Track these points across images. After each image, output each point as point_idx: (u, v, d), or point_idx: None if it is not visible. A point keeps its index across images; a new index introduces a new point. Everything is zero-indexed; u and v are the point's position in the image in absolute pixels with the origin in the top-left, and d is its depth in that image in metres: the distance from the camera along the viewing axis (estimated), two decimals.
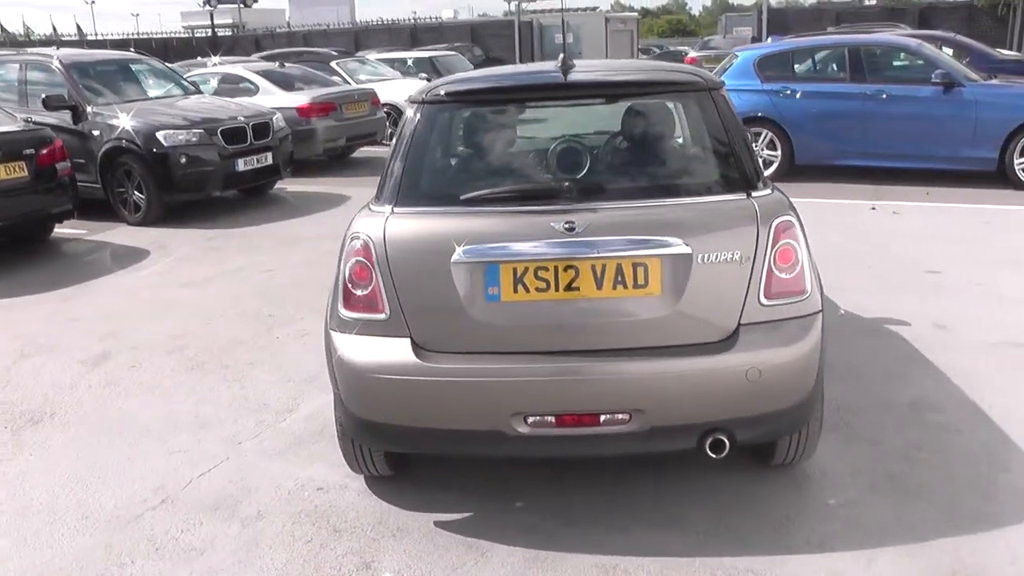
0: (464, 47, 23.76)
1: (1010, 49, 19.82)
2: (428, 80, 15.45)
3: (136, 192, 7.98)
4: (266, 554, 2.87)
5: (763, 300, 2.76)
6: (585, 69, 3.07)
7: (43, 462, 3.61)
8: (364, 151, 12.36)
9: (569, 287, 2.70)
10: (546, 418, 2.69)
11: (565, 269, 2.69)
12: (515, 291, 2.71)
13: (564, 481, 3.20)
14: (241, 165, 8.33)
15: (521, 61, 27.91)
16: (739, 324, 2.75)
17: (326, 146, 10.79)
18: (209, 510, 3.17)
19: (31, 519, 3.17)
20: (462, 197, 2.86)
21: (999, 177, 8.00)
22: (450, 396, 2.72)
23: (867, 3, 30.76)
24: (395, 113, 13.05)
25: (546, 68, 3.11)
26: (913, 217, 7.08)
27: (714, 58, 23.14)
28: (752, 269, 2.74)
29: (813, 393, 2.84)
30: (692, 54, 24.53)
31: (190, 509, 3.18)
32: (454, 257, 2.71)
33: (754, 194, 2.86)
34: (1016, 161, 7.78)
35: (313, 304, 5.52)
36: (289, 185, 9.89)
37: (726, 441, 2.72)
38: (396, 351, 2.76)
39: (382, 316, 2.79)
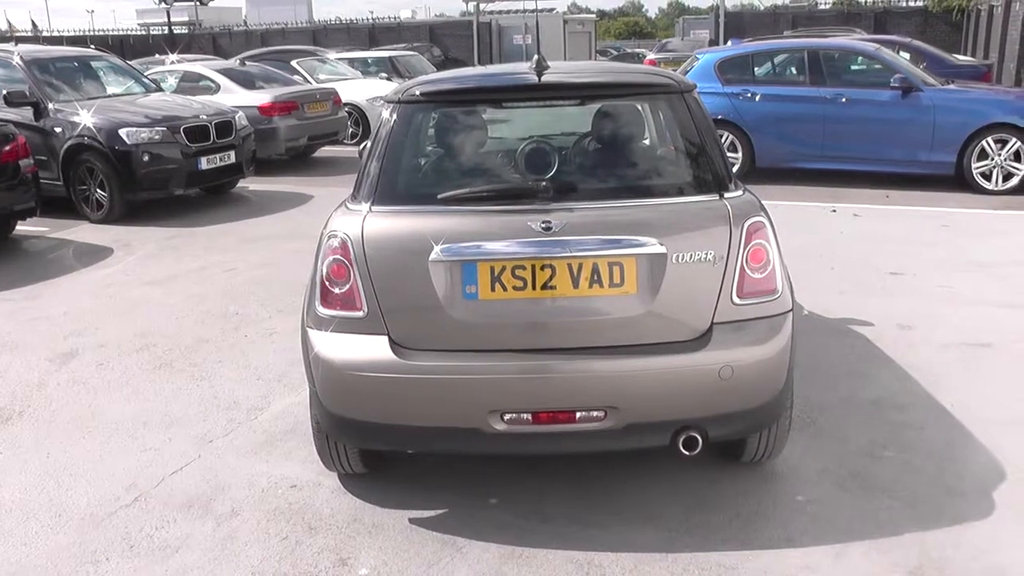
0: (423, 47, 23.73)
1: (964, 54, 20.30)
2: (388, 79, 15.45)
3: (99, 190, 7.86)
4: (241, 551, 2.87)
5: (736, 299, 2.82)
6: (559, 71, 3.11)
7: (14, 460, 3.56)
8: (325, 150, 12.29)
9: (546, 286, 2.73)
10: (522, 415, 2.72)
11: (542, 268, 2.72)
12: (492, 290, 2.73)
13: (538, 478, 3.23)
14: (204, 163, 8.24)
15: (480, 62, 27.95)
16: (712, 323, 2.81)
17: (288, 145, 10.72)
18: (183, 508, 3.15)
19: (3, 517, 3.13)
20: (439, 196, 2.88)
21: (957, 181, 8.22)
22: (428, 393, 2.74)
23: (820, 6, 31.26)
24: (356, 113, 13.01)
25: (521, 69, 3.15)
26: (873, 220, 7.24)
27: (673, 60, 23.39)
28: (725, 269, 2.80)
29: (783, 391, 2.91)
30: (651, 56, 24.72)
31: (163, 507, 3.16)
32: (432, 256, 2.73)
33: (726, 195, 2.93)
34: (974, 165, 8.00)
35: (279, 303, 5.51)
36: (251, 184, 9.80)
37: (699, 438, 2.77)
38: (374, 349, 2.77)
39: (360, 314, 2.80)
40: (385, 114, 3.05)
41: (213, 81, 10.76)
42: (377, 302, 2.78)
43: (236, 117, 8.77)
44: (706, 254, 2.79)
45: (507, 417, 2.72)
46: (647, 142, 3.09)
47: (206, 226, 7.90)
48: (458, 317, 2.74)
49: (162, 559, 2.85)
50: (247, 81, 10.90)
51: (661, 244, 2.74)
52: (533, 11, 31.59)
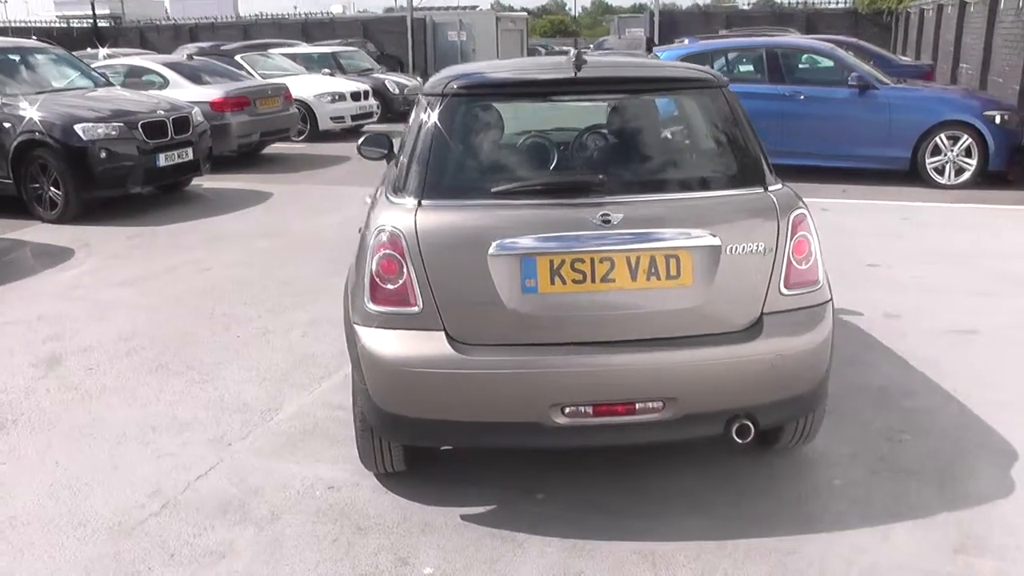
0: (358, 43, 23.38)
1: (894, 55, 21.07)
2: (331, 75, 15.21)
3: (52, 188, 7.51)
4: (293, 555, 2.79)
5: (783, 290, 2.87)
6: (598, 65, 3.12)
7: (19, 471, 3.38)
8: (274, 147, 12.01)
9: (605, 279, 2.74)
10: (583, 408, 2.72)
11: (601, 261, 2.73)
12: (552, 283, 2.72)
13: (580, 471, 3.23)
14: (162, 160, 7.97)
15: (414, 58, 27.71)
16: (762, 313, 2.86)
17: (240, 142, 10.45)
18: (217, 513, 3.04)
19: (22, 530, 2.98)
20: (494, 190, 2.85)
21: (911, 175, 8.55)
22: (489, 389, 2.71)
23: (741, 7, 32.11)
24: (302, 109, 12.74)
25: (560, 62, 3.14)
26: (840, 214, 7.47)
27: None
28: (774, 260, 2.86)
29: (825, 378, 2.98)
30: None
31: (196, 513, 3.05)
32: (491, 250, 2.70)
33: (770, 188, 2.98)
34: (928, 161, 8.33)
35: (265, 302, 5.38)
36: (204, 182, 9.51)
37: (751, 426, 2.82)
38: (431, 345, 2.73)
39: (414, 310, 2.75)
40: (425, 106, 3.00)
41: (160, 76, 10.41)
42: (433, 297, 2.73)
43: (193, 113, 8.50)
44: (757, 246, 2.84)
45: (567, 410, 2.71)
46: (691, 136, 3.12)
47: (168, 225, 7.64)
48: (517, 311, 2.72)
49: (209, 565, 2.75)
50: (195, 76, 10.58)
51: (715, 236, 2.78)
52: (466, 8, 31.55)
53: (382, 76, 16.17)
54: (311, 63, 15.55)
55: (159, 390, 4.12)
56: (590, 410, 2.73)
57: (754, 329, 2.84)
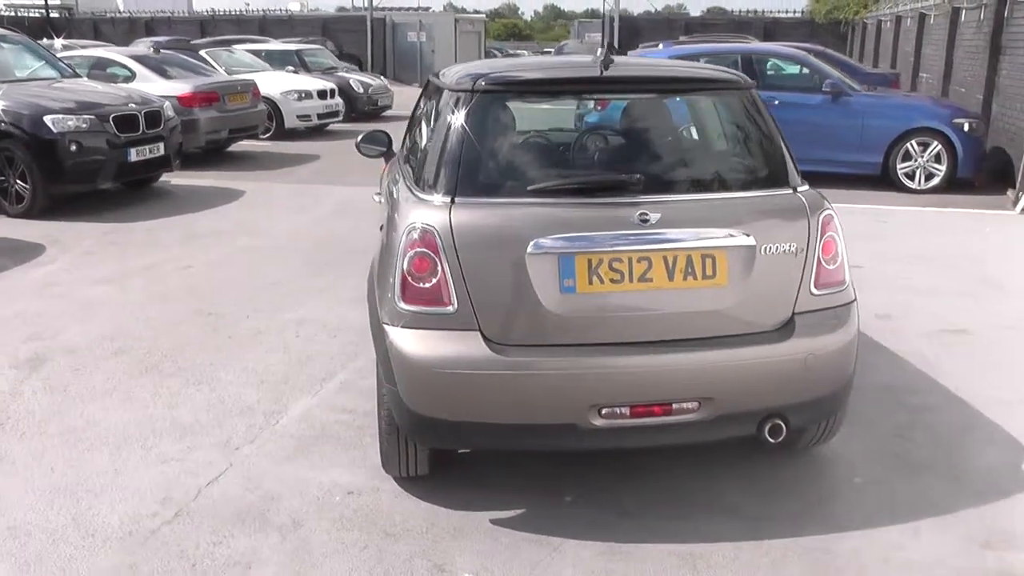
0: (318, 41, 23.12)
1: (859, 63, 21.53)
2: (295, 72, 14.98)
3: (19, 181, 7.23)
4: (322, 563, 2.70)
5: (814, 290, 2.88)
6: (626, 65, 3.09)
7: (12, 477, 3.22)
8: (240, 145, 11.76)
9: (642, 278, 2.71)
10: (620, 409, 2.69)
11: (639, 260, 2.70)
12: (590, 283, 2.69)
13: (605, 473, 3.19)
14: (133, 155, 7.73)
15: (374, 58, 27.50)
16: (793, 313, 2.86)
17: (208, 138, 10.22)
18: (235, 521, 2.94)
19: (25, 540, 2.83)
20: (530, 188, 2.80)
21: (882, 180, 8.71)
22: (527, 390, 2.67)
23: (694, 13, 32.52)
24: (268, 107, 12.50)
25: (586, 61, 3.11)
26: None
27: None
28: (805, 260, 2.86)
29: (851, 378, 3.00)
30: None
31: (213, 520, 2.94)
32: (529, 249, 2.66)
33: (798, 189, 2.99)
34: (899, 166, 8.50)
35: (253, 302, 5.25)
36: (172, 179, 9.27)
37: (783, 426, 2.82)
38: (467, 345, 2.67)
39: (449, 309, 2.69)
40: (453, 102, 2.93)
41: (128, 68, 10.11)
42: (469, 297, 2.67)
43: (164, 107, 8.27)
44: (789, 246, 2.84)
45: (604, 412, 2.68)
46: (720, 136, 3.12)
47: (141, 221, 7.42)
48: (555, 311, 2.68)
49: None
50: (162, 70, 10.30)
51: (750, 236, 2.77)
52: (419, 9, 31.41)
53: (346, 75, 15.98)
54: (274, 60, 15.30)
55: (154, 392, 3.98)
56: (627, 411, 2.69)
57: (786, 329, 2.84)
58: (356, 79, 15.83)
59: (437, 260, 2.68)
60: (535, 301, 2.67)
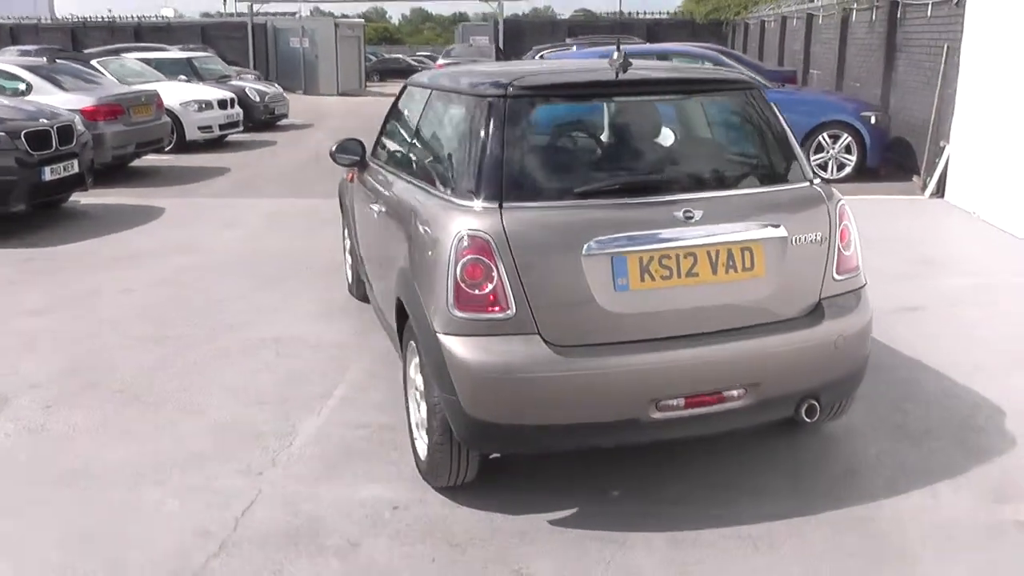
0: (197, 48, 22.31)
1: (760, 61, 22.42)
2: (188, 82, 14.40)
3: None
4: None
5: (836, 276, 3.05)
6: (647, 68, 3.18)
7: (23, 528, 2.99)
8: (144, 160, 11.20)
9: (689, 273, 2.80)
10: (675, 401, 2.77)
11: (685, 256, 2.79)
12: (642, 280, 2.76)
13: (635, 466, 3.26)
14: (48, 174, 7.27)
15: (255, 65, 26.72)
16: (820, 298, 3.02)
17: (115, 153, 9.69)
18: (286, 547, 2.84)
19: None
20: (577, 190, 2.84)
21: None
22: (591, 389, 2.71)
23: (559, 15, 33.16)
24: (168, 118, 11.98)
25: (601, 65, 3.17)
26: None
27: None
28: (828, 248, 3.03)
29: (868, 355, 3.19)
30: (440, 61, 24.98)
31: (262, 549, 2.83)
32: (584, 250, 2.70)
33: (813, 181, 3.15)
34: (812, 157, 8.98)
35: (210, 322, 5.06)
36: (82, 198, 8.76)
37: (817, 406, 2.97)
38: (528, 348, 2.69)
39: (507, 314, 2.70)
40: (484, 108, 2.93)
41: (22, 80, 9.44)
42: (527, 300, 2.69)
43: (76, 121, 7.82)
44: (815, 235, 2.99)
45: (662, 404, 2.75)
46: (740, 134, 3.24)
47: (62, 245, 6.99)
48: (611, 310, 2.73)
49: None
50: (58, 81, 9.70)
51: (782, 228, 2.91)
52: (285, 14, 30.76)
53: (241, 83, 15.49)
54: (164, 69, 14.65)
55: (145, 424, 3.78)
56: (682, 402, 2.78)
57: (816, 314, 2.99)
58: (252, 87, 15.37)
59: (492, 266, 2.69)
60: (591, 301, 2.72)
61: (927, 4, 8.98)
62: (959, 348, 4.43)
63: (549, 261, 2.71)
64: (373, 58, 41.92)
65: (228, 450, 3.51)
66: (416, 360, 3.09)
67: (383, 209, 3.74)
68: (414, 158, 3.62)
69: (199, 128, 12.43)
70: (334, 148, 4.54)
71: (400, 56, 46.62)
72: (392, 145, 4.19)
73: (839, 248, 3.06)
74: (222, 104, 12.99)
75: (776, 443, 3.46)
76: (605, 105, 3.18)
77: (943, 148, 8.13)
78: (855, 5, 11.84)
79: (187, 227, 7.76)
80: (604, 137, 3.22)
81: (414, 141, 3.67)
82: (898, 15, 9.99)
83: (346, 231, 5.47)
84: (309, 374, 4.30)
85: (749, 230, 2.87)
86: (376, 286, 4.12)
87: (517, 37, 30.13)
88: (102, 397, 4.06)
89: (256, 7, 27.90)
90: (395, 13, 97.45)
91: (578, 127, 3.03)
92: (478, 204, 2.80)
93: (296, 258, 6.56)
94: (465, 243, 2.72)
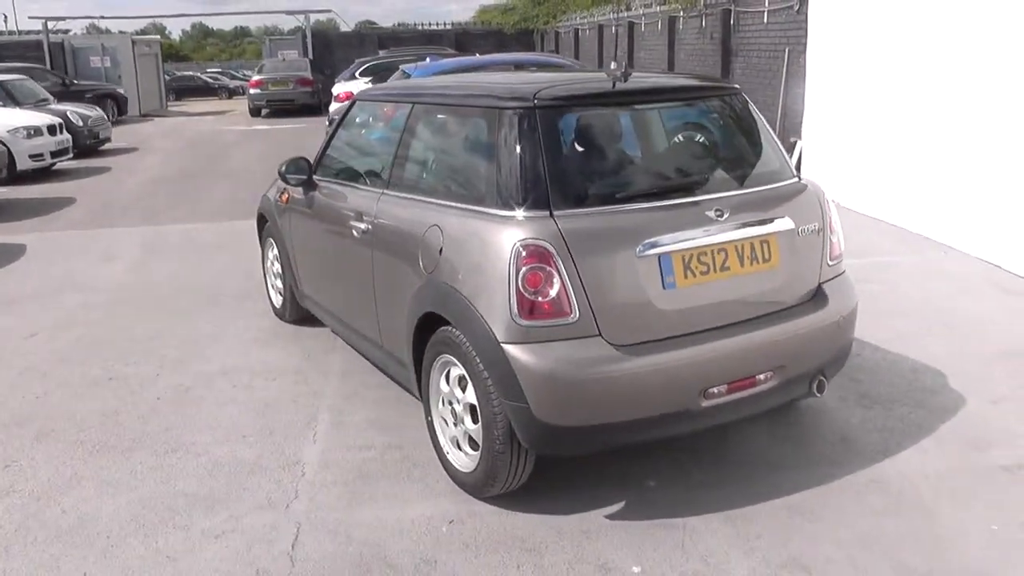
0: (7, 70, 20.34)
1: None
2: (3, 106, 13.14)
3: None
4: None
5: (829, 262, 3.37)
6: (650, 77, 3.37)
7: None
8: None
9: (723, 268, 3.00)
10: (718, 389, 2.96)
11: (718, 252, 2.99)
12: (686, 277, 2.93)
13: (659, 456, 3.42)
14: None
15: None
16: (819, 283, 3.32)
17: None
18: (360, 574, 2.77)
19: None
20: (619, 195, 2.96)
21: None
22: (651, 384, 2.84)
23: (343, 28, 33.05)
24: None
25: (601, 76, 3.33)
26: None
27: (280, 81, 23.21)
28: (823, 237, 3.33)
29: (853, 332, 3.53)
30: (255, 77, 24.17)
31: None
32: (637, 251, 2.83)
33: (800, 176, 3.45)
34: None
35: (148, 360, 4.77)
36: None
37: (825, 380, 3.27)
38: (595, 350, 2.78)
39: (571, 318, 2.78)
40: (510, 120, 2.97)
41: None
42: (589, 304, 2.79)
43: None
44: (814, 226, 3.29)
45: (708, 392, 2.93)
46: (741, 135, 3.45)
47: None
48: (662, 307, 2.88)
49: None
50: None
51: (790, 220, 3.18)
52: (68, 31, 28.83)
53: (62, 107, 14.31)
54: None
55: (131, 471, 3.51)
56: (724, 389, 2.97)
57: (820, 298, 3.29)
58: (73, 111, 14.23)
59: (554, 272, 2.76)
60: (646, 300, 2.85)
61: (763, 11, 9.81)
62: (873, 321, 4.93)
63: (606, 264, 2.82)
64: (167, 76, 39.83)
65: (234, 488, 3.34)
66: (455, 373, 3.10)
67: (367, 228, 3.68)
68: (412, 174, 3.58)
69: (30, 157, 11.41)
70: (284, 167, 4.41)
71: (194, 74, 44.60)
72: (362, 163, 4.13)
73: (830, 237, 3.37)
74: (51, 130, 11.98)
75: (768, 422, 3.72)
76: (627, 113, 3.33)
77: (794, 143, 8.93)
78: (681, 13, 12.68)
79: (60, 263, 7.14)
80: (630, 143, 3.36)
81: (405, 156, 3.63)
82: (731, 21, 10.84)
83: (272, 253, 5.28)
84: (280, 402, 4.15)
85: (766, 224, 3.11)
86: (355, 308, 4.03)
87: (327, 50, 29.69)
88: (63, 448, 3.74)
89: (50, 24, 25.81)
90: (175, 29, 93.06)
91: (604, 134, 3.14)
92: (526, 213, 2.86)
93: (199, 287, 6.23)
94: (522, 252, 2.77)
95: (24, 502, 3.30)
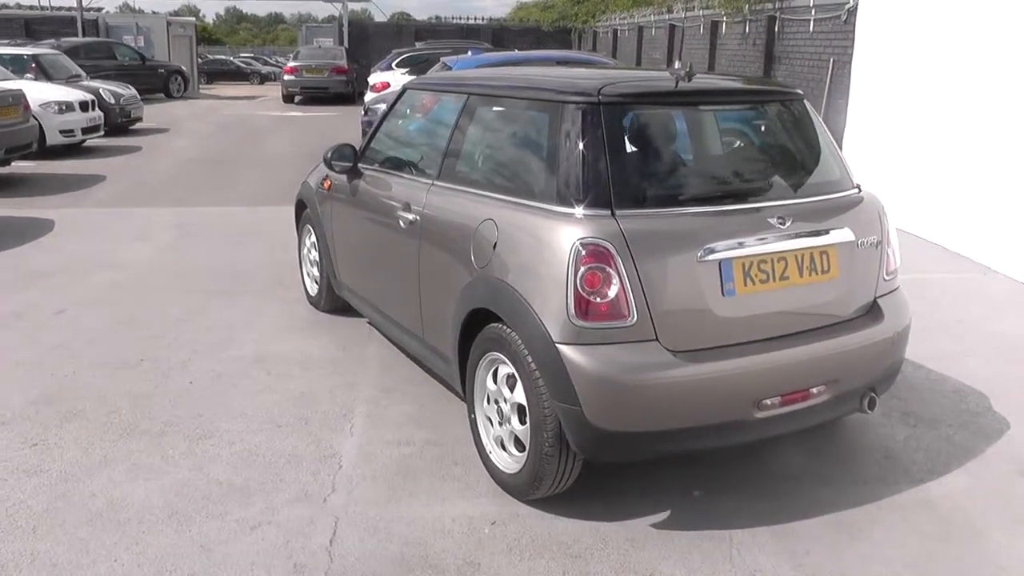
0: (25, 44, 20.46)
1: None
2: (35, 80, 13.20)
3: None
4: None
5: (885, 276, 3.28)
6: (714, 78, 3.29)
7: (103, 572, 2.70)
8: (14, 166, 10.16)
9: (782, 277, 2.93)
10: (772, 400, 2.88)
11: (778, 261, 2.92)
12: (745, 285, 2.86)
13: (705, 468, 3.35)
14: None
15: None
16: (875, 297, 3.24)
17: None
18: (400, 572, 2.71)
19: None
20: (682, 197, 2.90)
21: None
22: (707, 393, 2.77)
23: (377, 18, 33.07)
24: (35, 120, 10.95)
25: (665, 74, 3.25)
26: None
27: (315, 68, 23.27)
28: (880, 251, 3.25)
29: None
30: (290, 64, 24.23)
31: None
32: (698, 256, 2.76)
33: (861, 187, 3.37)
34: None
35: (180, 342, 4.75)
36: None
37: (876, 397, 3.19)
38: (652, 355, 2.72)
39: (629, 322, 2.71)
40: (579, 115, 2.90)
41: None
42: (648, 308, 2.72)
43: None
44: (873, 239, 3.21)
45: (762, 404, 2.86)
46: (804, 141, 3.36)
47: None
48: (720, 314, 2.81)
49: None
50: None
51: (850, 232, 3.10)
52: (98, 9, 29.03)
53: (95, 84, 14.36)
54: (5, 66, 13.34)
55: (163, 456, 3.48)
56: (778, 400, 2.90)
57: (875, 312, 3.21)
58: (106, 89, 14.28)
59: (614, 273, 2.69)
60: (704, 306, 2.79)
61: (809, 20, 9.69)
62: (914, 339, 4.77)
63: (666, 268, 2.75)
64: (199, 60, 39.99)
65: (270, 479, 3.30)
66: (504, 372, 3.04)
67: (414, 219, 3.63)
68: (465, 166, 3.51)
69: (61, 132, 11.45)
70: (330, 154, 4.36)
71: (227, 58, 44.71)
72: (411, 153, 4.07)
73: (887, 250, 3.29)
74: (83, 106, 12.02)
75: (811, 437, 3.63)
76: (690, 113, 3.26)
77: None
78: (724, 18, 12.56)
79: (89, 241, 7.14)
80: (693, 144, 3.29)
81: (458, 148, 3.56)
82: (775, 28, 10.72)
83: (309, 240, 5.24)
84: (315, 392, 4.11)
85: (827, 235, 3.03)
86: (396, 299, 3.98)
87: (363, 40, 29.77)
88: (92, 429, 3.70)
89: (84, 2, 25.92)
90: (209, 12, 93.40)
91: (667, 134, 3.07)
92: (586, 212, 2.80)
93: (231, 272, 6.20)
94: (582, 252, 2.70)
95: (52, 482, 3.26)
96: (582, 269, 2.70)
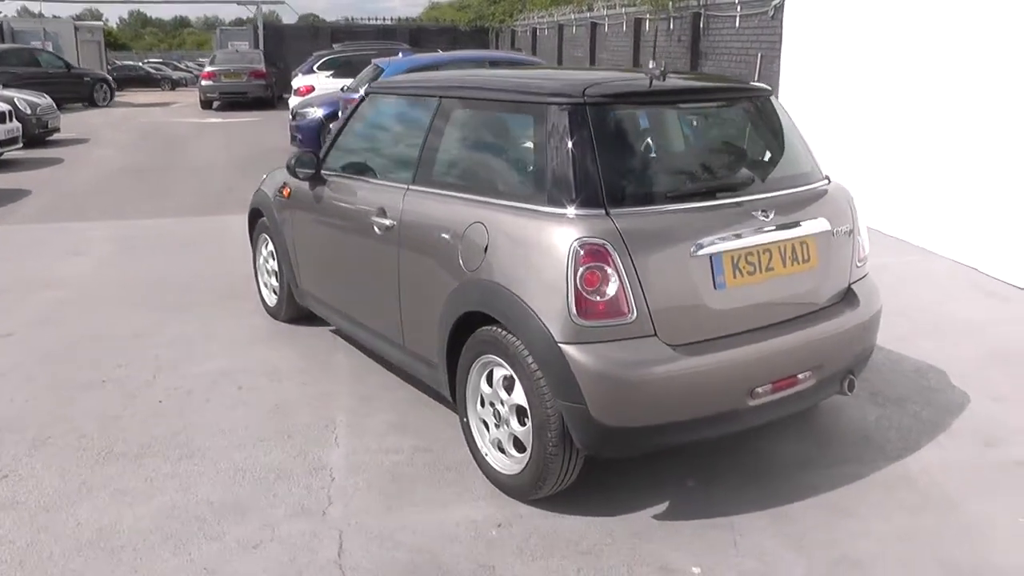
0: None
1: None
2: None
3: None
4: None
5: (857, 263, 3.42)
6: (684, 77, 3.36)
7: None
8: None
9: (767, 268, 3.02)
10: (765, 387, 2.98)
11: (763, 252, 3.01)
12: (735, 277, 2.94)
13: (692, 457, 3.43)
14: None
15: None
16: (849, 284, 3.37)
17: None
18: None
19: None
20: (671, 194, 2.95)
21: None
22: (706, 384, 2.84)
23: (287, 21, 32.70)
24: None
25: (640, 75, 3.31)
26: None
27: (233, 72, 22.73)
28: (852, 239, 3.38)
29: None
30: (208, 68, 23.62)
31: None
32: (691, 251, 2.83)
33: (829, 178, 3.49)
34: None
35: (141, 360, 4.61)
36: None
37: (854, 379, 3.32)
38: (652, 351, 2.77)
39: (628, 319, 2.76)
40: (564, 115, 2.92)
41: None
42: (646, 304, 2.77)
43: None
44: (846, 227, 3.33)
45: (755, 392, 2.95)
46: (777, 136, 3.44)
47: None
48: (713, 307, 2.89)
49: None
50: None
51: (826, 222, 3.22)
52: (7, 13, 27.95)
53: (8, 93, 13.73)
54: None
55: (146, 479, 3.37)
56: (769, 388, 2.99)
57: (850, 298, 3.34)
58: (21, 98, 13.67)
59: (613, 271, 2.73)
60: (698, 300, 2.86)
61: (735, 16, 9.95)
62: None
63: (662, 264, 2.81)
64: (109, 66, 38.63)
65: (262, 495, 3.23)
66: (500, 374, 3.05)
67: (391, 224, 3.60)
68: (444, 169, 3.49)
69: None
70: (293, 161, 4.29)
71: (135, 63, 43.29)
72: (381, 157, 4.04)
73: (858, 238, 3.42)
74: (0, 118, 11.49)
75: (790, 421, 3.73)
76: (670, 112, 3.33)
77: None
78: (648, 15, 12.78)
79: (24, 258, 6.85)
80: (675, 142, 3.35)
81: (434, 151, 3.54)
82: (700, 25, 10.97)
83: (266, 250, 5.14)
84: (291, 404, 4.04)
85: (805, 225, 3.14)
86: (371, 306, 3.95)
87: (278, 42, 29.23)
88: (65, 456, 3.56)
89: None
90: (112, 16, 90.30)
91: (651, 132, 3.13)
92: (579, 211, 2.82)
93: (178, 284, 6.03)
94: (580, 251, 2.74)
95: (32, 514, 3.13)
96: (581, 269, 2.73)
